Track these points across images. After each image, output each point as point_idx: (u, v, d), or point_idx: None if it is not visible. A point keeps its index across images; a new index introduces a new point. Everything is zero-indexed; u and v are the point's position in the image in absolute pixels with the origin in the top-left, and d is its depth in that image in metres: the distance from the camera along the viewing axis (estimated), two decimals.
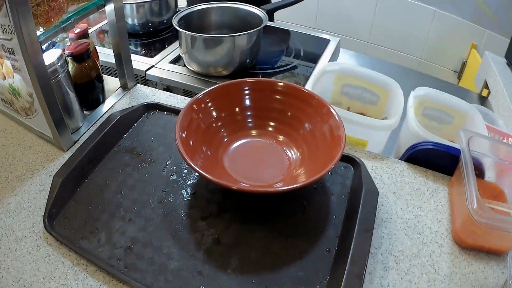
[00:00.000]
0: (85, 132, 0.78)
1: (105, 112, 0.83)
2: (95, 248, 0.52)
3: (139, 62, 1.05)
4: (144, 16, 1.17)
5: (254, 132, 0.68)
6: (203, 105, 0.64)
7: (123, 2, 1.15)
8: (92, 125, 0.79)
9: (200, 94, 0.64)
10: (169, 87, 1.00)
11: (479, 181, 0.56)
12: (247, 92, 0.68)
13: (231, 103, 0.67)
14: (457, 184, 0.60)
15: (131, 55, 1.06)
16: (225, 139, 0.66)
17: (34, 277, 0.50)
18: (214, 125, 0.65)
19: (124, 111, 0.76)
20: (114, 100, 0.86)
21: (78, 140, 0.76)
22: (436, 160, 0.65)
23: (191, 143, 0.58)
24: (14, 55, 0.65)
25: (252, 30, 0.91)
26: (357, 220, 0.52)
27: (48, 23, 0.66)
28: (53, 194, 0.59)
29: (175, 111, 0.77)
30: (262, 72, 1.01)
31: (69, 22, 0.71)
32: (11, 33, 0.62)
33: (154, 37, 1.20)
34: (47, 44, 0.74)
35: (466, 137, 0.58)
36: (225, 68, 0.95)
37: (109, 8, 0.77)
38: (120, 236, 0.54)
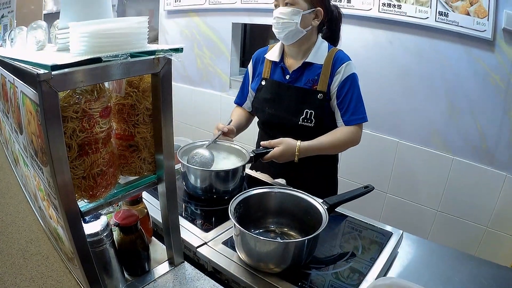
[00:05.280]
0: None
1: (147, 284, 0.81)
2: None
3: (192, 234, 0.99)
4: (207, 179, 1.12)
5: None
6: None
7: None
8: None
9: None
10: (217, 270, 0.92)
11: None
12: None
13: None
14: None
15: (186, 222, 1.03)
16: None
17: None
18: None
19: None
20: (159, 273, 0.84)
21: None
22: None
23: None
24: (58, 212, 0.63)
25: (310, 236, 0.85)
26: None
27: (93, 198, 0.64)
28: None
29: None
30: (316, 273, 0.90)
31: (115, 197, 0.70)
32: (54, 193, 0.60)
33: (216, 206, 1.14)
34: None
35: None
36: (277, 266, 0.87)
37: (162, 187, 0.77)
38: None
